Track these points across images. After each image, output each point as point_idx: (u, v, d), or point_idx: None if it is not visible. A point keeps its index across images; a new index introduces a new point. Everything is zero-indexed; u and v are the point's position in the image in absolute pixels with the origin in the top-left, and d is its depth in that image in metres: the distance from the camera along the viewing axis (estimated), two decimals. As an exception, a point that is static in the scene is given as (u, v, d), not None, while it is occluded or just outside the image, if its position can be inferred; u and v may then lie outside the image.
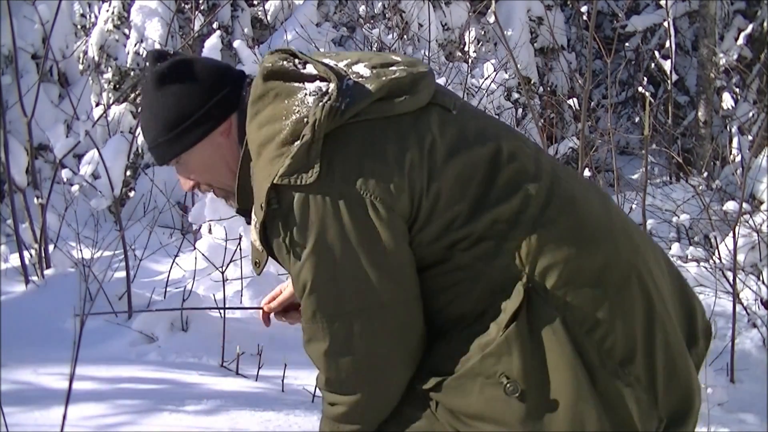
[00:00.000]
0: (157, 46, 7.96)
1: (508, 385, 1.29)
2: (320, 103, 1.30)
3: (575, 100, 7.13)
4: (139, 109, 1.52)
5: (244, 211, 1.49)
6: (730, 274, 4.56)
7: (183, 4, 8.08)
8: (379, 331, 1.33)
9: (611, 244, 1.37)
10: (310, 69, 1.40)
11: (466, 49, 9.00)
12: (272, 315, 1.75)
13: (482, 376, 1.31)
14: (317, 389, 2.59)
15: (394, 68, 1.40)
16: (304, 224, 1.30)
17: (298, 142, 1.29)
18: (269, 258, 1.44)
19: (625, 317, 1.33)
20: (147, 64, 1.50)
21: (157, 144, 1.49)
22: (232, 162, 1.47)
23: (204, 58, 1.52)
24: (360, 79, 1.36)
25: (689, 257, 5.39)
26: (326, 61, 1.43)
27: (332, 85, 1.33)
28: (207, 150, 1.48)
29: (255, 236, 1.40)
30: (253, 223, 1.41)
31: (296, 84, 1.37)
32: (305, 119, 1.30)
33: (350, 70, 1.39)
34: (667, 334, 1.38)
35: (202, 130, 1.46)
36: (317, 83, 1.36)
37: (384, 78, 1.36)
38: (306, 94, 1.34)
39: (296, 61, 1.42)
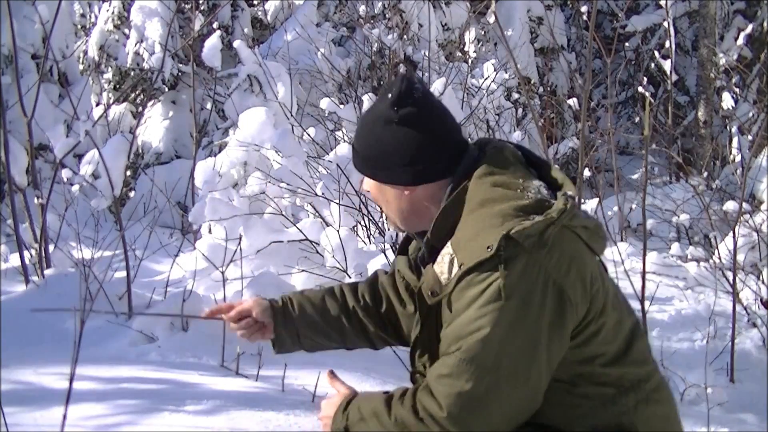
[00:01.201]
0: (157, 47, 7.97)
1: None
2: (566, 198, 1.52)
3: (575, 100, 7.14)
4: (362, 112, 1.71)
5: (431, 246, 1.63)
6: (730, 274, 4.56)
7: (183, 4, 8.09)
8: (514, 402, 1.47)
9: None
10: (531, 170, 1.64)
11: (466, 49, 9.00)
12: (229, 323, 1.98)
13: None
14: (316, 388, 2.59)
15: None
16: (515, 279, 1.43)
17: (540, 217, 1.47)
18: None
19: None
20: (392, 87, 1.62)
21: (356, 153, 1.69)
22: (401, 206, 1.67)
23: (445, 113, 1.66)
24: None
25: (689, 257, 5.39)
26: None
27: (570, 192, 1.56)
28: (386, 190, 1.67)
29: (444, 269, 1.54)
30: (446, 258, 1.54)
31: (528, 172, 1.61)
32: (546, 203, 1.52)
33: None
34: None
35: (387, 179, 1.66)
36: (540, 181, 1.60)
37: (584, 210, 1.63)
38: (540, 186, 1.57)
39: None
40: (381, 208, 1.79)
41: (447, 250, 1.54)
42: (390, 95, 1.62)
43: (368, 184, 1.72)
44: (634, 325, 1.64)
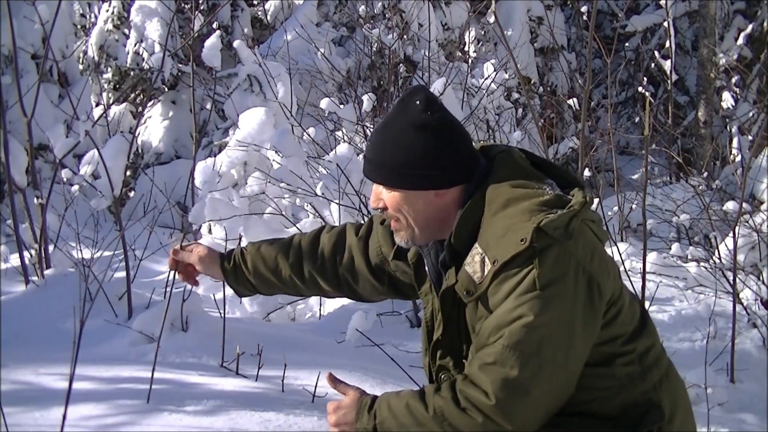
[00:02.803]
0: (157, 47, 7.97)
1: None
2: (584, 192, 1.60)
3: (575, 100, 7.13)
4: (380, 120, 1.78)
5: (452, 250, 1.66)
6: (730, 274, 4.56)
7: (183, 4, 8.09)
8: (554, 387, 1.53)
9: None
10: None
11: (466, 49, 9.00)
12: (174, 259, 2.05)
13: None
14: (316, 388, 2.59)
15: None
16: (548, 269, 1.50)
17: (562, 210, 1.54)
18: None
19: None
20: (414, 96, 1.67)
21: (381, 164, 1.67)
22: (429, 214, 1.68)
23: (460, 128, 1.72)
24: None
25: (689, 257, 5.38)
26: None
27: (582, 192, 1.62)
28: (417, 198, 1.67)
29: (476, 269, 1.59)
30: (476, 258, 1.59)
31: (540, 174, 1.68)
32: (564, 198, 1.59)
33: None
34: None
35: (424, 185, 1.66)
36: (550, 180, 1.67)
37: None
38: (552, 185, 1.64)
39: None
40: (397, 221, 1.72)
41: (476, 251, 1.59)
42: (418, 102, 1.66)
43: (389, 197, 1.69)
44: (641, 306, 1.77)
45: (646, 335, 1.70)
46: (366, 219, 4.78)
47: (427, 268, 1.78)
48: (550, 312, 1.49)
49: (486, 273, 1.56)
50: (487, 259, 1.56)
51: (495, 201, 1.60)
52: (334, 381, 1.74)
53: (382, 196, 1.70)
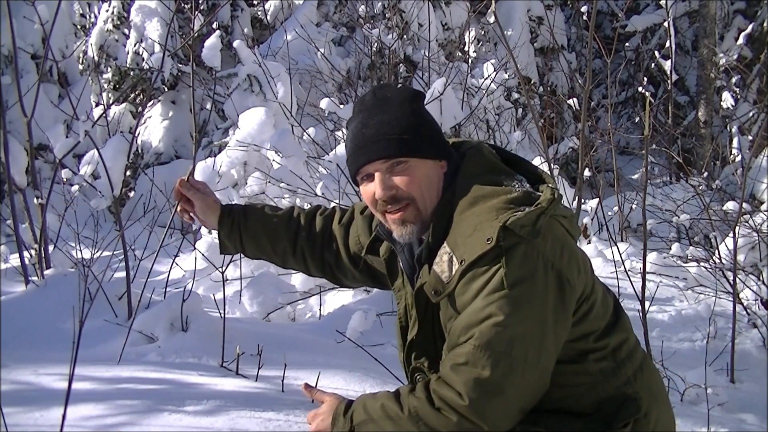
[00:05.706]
0: (157, 47, 7.97)
1: None
2: (552, 189, 1.59)
3: (575, 100, 7.13)
4: (374, 101, 1.67)
5: (429, 247, 1.64)
6: (730, 274, 4.56)
7: (183, 4, 8.09)
8: (527, 386, 1.52)
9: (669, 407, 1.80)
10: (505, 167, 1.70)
11: (466, 49, 9.00)
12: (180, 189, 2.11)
13: None
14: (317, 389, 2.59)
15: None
16: (516, 267, 1.48)
17: (530, 208, 1.52)
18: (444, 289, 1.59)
19: None
20: (388, 84, 1.82)
21: (399, 138, 1.61)
22: (435, 190, 1.65)
23: None
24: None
25: (689, 257, 5.38)
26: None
27: (551, 184, 1.63)
28: (432, 169, 1.65)
29: (444, 268, 1.57)
30: (444, 257, 1.57)
31: (507, 168, 1.67)
32: (533, 194, 1.57)
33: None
34: None
35: (440, 152, 1.66)
36: (520, 176, 1.66)
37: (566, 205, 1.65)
38: (521, 181, 1.63)
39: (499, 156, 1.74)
40: (406, 209, 1.64)
41: (444, 250, 1.58)
42: (399, 85, 1.72)
43: (403, 176, 1.62)
44: (615, 299, 1.77)
45: (619, 330, 1.68)
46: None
47: (401, 264, 1.77)
48: (519, 311, 1.48)
49: (453, 273, 1.55)
50: (454, 259, 1.55)
51: (463, 199, 1.59)
52: (310, 390, 1.75)
53: (393, 180, 1.63)
